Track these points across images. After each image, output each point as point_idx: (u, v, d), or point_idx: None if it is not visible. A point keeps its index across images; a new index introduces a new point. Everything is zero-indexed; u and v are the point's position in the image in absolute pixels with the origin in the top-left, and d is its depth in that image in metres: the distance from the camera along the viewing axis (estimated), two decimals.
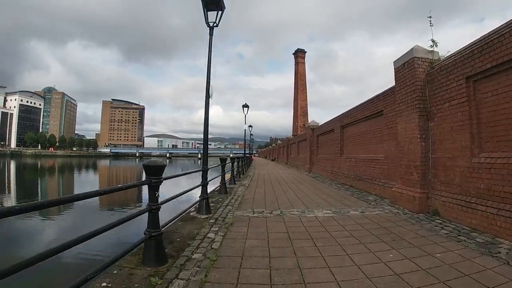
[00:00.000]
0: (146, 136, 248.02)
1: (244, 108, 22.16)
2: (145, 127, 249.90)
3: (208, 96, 6.24)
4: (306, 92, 60.34)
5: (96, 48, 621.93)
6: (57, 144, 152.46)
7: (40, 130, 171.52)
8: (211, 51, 6.18)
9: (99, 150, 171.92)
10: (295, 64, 62.84)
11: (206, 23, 6.09)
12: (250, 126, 44.11)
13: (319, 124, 17.23)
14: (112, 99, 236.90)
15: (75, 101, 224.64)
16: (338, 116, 12.79)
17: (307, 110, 59.02)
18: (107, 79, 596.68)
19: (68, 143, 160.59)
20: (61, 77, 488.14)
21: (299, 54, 62.30)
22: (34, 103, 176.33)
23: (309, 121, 21.27)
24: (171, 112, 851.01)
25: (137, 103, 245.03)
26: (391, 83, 7.18)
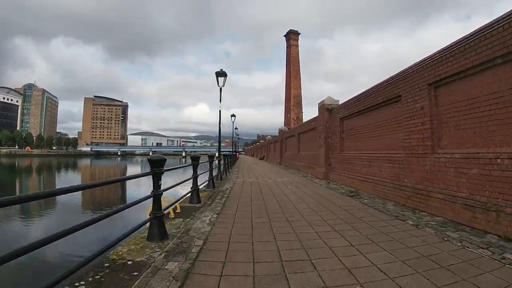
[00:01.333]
0: (130, 134, 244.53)
1: (219, 78, 13.07)
2: (131, 125, 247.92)
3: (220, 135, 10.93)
4: (300, 79, 52.87)
5: (81, 45, 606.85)
6: (34, 142, 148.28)
7: (19, 128, 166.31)
8: (221, 101, 12.55)
9: (80, 148, 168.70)
10: (286, 48, 55.32)
11: (217, 85, 13.02)
12: (236, 128, 42.67)
13: (346, 101, 10.37)
14: (95, 96, 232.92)
15: (56, 98, 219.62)
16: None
17: (301, 100, 51.17)
18: (93, 76, 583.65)
19: (46, 141, 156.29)
20: (46, 75, 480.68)
21: (292, 36, 54.91)
22: (11, 100, 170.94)
23: (303, 113, 20.61)
24: (158, 110, 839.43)
25: (120, 100, 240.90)
26: (377, 80, 7.82)
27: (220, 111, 13.49)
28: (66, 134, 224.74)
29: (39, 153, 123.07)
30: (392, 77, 7.07)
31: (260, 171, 16.67)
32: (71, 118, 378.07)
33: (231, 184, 10.01)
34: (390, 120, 7.31)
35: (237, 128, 54.77)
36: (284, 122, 50.35)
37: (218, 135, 14.97)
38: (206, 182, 9.09)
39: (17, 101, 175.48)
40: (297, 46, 55.32)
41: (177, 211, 5.35)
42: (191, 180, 6.32)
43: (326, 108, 11.90)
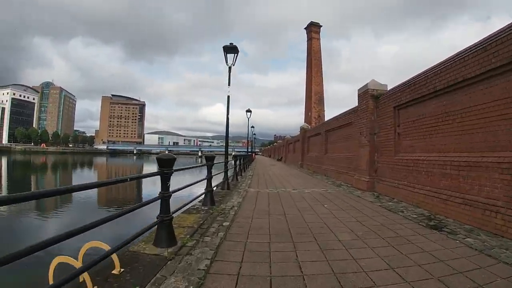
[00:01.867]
0: (147, 133, 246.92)
1: (247, 113, 23.34)
2: (148, 125, 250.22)
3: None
4: (321, 74, 48.40)
5: (99, 45, 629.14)
6: (50, 140, 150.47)
7: (35, 125, 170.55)
8: (230, 84, 9.94)
9: (96, 146, 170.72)
10: (307, 41, 51.47)
11: (226, 63, 10.00)
12: (252, 127, 43.00)
13: (406, 81, 7.27)
14: (112, 95, 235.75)
15: (74, 96, 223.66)
16: None
17: (323, 97, 46.67)
18: (111, 76, 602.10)
19: (62, 139, 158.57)
20: (65, 74, 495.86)
21: (313, 28, 50.52)
22: (28, 97, 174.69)
23: (325, 112, 18.44)
24: (175, 109, 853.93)
25: (138, 99, 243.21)
26: (395, 82, 7.10)
27: (228, 96, 10.14)
28: (84, 132, 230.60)
29: (54, 151, 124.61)
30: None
31: (278, 176, 13.86)
32: (89, 117, 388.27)
33: (240, 199, 7.03)
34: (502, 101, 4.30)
35: (253, 127, 51.81)
36: (305, 121, 45.51)
37: (234, 135, 15.02)
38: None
39: (33, 99, 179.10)
40: (318, 39, 50.67)
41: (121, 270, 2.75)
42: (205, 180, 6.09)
43: (371, 95, 8.97)
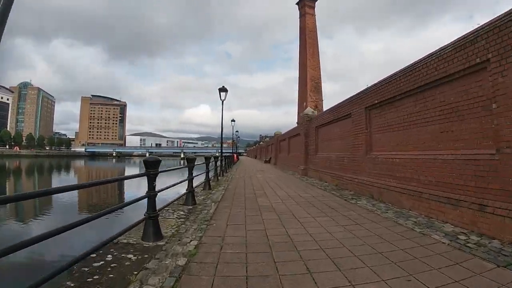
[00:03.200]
0: (128, 135, 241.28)
1: (221, 93, 16.69)
2: (133, 127, 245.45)
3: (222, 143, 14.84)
4: (318, 56, 40.82)
5: (81, 46, 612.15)
6: (23, 142, 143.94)
7: (11, 128, 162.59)
8: (223, 119, 16.11)
9: (74, 149, 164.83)
10: (300, 17, 43.04)
11: (220, 99, 15.98)
12: (232, 120, 40.19)
13: None
14: (92, 95, 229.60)
15: (53, 97, 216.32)
16: None
17: (320, 84, 39.36)
18: (94, 78, 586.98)
19: (37, 141, 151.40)
20: (47, 76, 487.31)
21: (306, 3, 41.92)
22: (2, 98, 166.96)
23: (322, 103, 16.61)
24: (159, 111, 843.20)
25: (119, 99, 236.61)
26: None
27: (222, 115, 17.79)
28: (64, 135, 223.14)
29: (26, 154, 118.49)
30: None
31: (276, 196, 8.21)
32: (72, 119, 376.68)
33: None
34: None
35: (237, 131, 50.89)
36: (298, 114, 37.64)
37: (220, 136, 17.60)
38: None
39: (7, 99, 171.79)
40: (313, 15, 42.57)
41: None
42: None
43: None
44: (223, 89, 15.66)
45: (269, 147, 38.43)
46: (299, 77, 41.63)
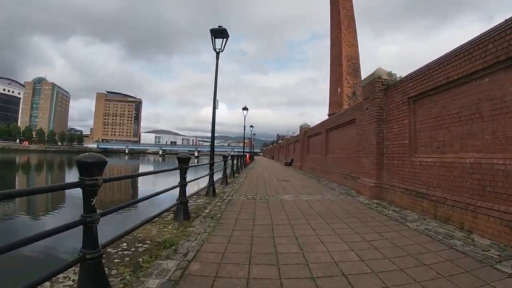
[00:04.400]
0: (143, 132, 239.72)
1: (244, 111, 20.66)
2: (149, 124, 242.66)
3: (214, 108, 8.63)
4: (355, 30, 31.86)
5: (98, 44, 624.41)
6: (33, 137, 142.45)
7: (25, 123, 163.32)
8: (217, 72, 8.23)
9: (86, 145, 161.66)
10: None
11: (213, 49, 8.16)
12: (251, 126, 42.08)
13: None
14: (107, 91, 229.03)
15: (68, 93, 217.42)
16: None
17: (359, 65, 30.43)
18: (110, 75, 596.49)
19: (48, 136, 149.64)
20: (65, 73, 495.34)
21: None
22: (13, 92, 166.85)
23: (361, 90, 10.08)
24: (176, 109, 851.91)
25: (134, 96, 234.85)
26: None
27: (215, 88, 8.47)
28: (80, 131, 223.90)
29: (36, 149, 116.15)
30: None
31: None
32: (89, 116, 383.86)
33: None
34: None
35: (252, 126, 48.20)
36: (330, 104, 30.11)
37: (237, 135, 13.35)
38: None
39: (18, 93, 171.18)
40: None
41: None
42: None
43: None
44: (218, 32, 8.19)
45: (290, 146, 32.53)
46: (330, 58, 33.29)
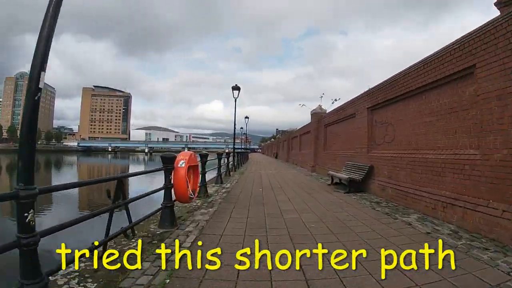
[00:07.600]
0: (133, 129, 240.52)
1: (234, 91, 18.28)
2: (146, 122, 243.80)
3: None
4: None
5: (90, 41, 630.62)
6: (2, 136, 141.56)
7: (8, 121, 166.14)
8: (235, 116, 20.43)
9: (66, 143, 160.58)
10: None
11: (233, 97, 18.53)
12: (246, 117, 41.47)
13: None
14: (94, 86, 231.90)
15: (53, 89, 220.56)
16: None
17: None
18: (104, 73, 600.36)
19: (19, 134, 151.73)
20: (59, 71, 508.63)
21: None
22: None
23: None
24: (172, 107, 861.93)
25: (123, 90, 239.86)
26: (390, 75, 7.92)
27: (235, 110, 20.45)
28: (71, 129, 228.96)
29: (3, 148, 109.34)
30: None
31: None
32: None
33: None
34: None
35: (247, 117, 49.78)
36: None
37: (232, 132, 23.66)
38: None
39: None
40: None
41: None
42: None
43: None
44: (236, 88, 17.90)
45: (295, 139, 27.27)
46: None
